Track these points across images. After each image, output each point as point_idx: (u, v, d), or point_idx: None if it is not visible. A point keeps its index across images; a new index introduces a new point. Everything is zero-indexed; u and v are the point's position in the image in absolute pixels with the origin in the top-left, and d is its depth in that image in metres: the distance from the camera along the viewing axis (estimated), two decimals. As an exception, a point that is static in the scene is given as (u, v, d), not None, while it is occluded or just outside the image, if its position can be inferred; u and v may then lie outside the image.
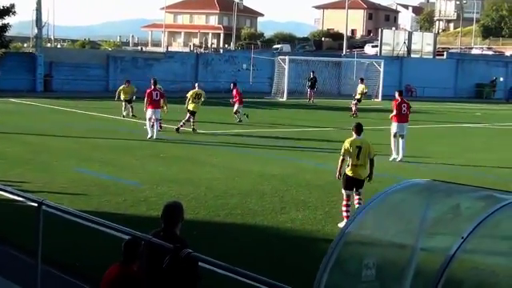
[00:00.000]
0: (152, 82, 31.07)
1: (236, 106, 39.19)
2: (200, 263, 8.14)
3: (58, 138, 29.56)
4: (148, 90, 30.28)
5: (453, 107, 57.10)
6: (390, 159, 26.28)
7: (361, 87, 46.83)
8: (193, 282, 8.23)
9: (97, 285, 8.88)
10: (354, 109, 45.45)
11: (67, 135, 30.42)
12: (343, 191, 16.46)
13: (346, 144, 16.72)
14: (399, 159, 26.58)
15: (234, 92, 40.40)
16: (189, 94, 34.31)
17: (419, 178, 9.88)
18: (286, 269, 11.83)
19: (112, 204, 16.80)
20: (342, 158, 16.78)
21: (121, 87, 37.16)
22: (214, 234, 14.70)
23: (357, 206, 15.96)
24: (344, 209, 16.34)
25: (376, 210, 8.53)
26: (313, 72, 59.80)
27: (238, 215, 16.39)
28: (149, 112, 29.72)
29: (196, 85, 36.00)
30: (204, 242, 12.27)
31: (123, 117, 36.33)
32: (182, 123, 32.72)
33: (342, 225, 14.88)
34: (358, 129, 17.18)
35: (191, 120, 32.85)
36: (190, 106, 33.30)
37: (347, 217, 15.63)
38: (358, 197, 16.36)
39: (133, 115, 36.67)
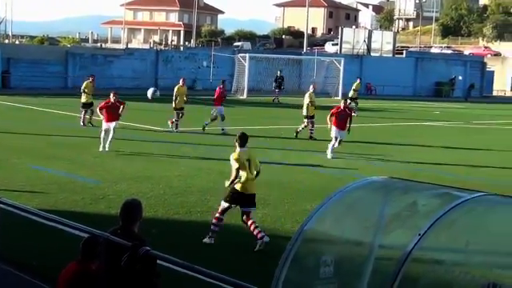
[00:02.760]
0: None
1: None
2: (159, 261, 8.18)
3: (15, 135, 29.34)
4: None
5: (412, 105, 57.51)
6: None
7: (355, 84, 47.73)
8: (151, 279, 8.24)
9: (54, 283, 8.87)
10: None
11: (24, 132, 30.27)
12: (225, 204, 15.03)
13: (236, 156, 15.13)
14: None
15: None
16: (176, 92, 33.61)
17: (377, 176, 9.99)
18: (246, 266, 11.88)
19: (70, 202, 16.70)
20: (237, 169, 15.01)
21: (84, 83, 34.57)
22: (174, 232, 14.72)
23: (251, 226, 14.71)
24: (214, 222, 14.97)
25: (334, 208, 8.61)
26: (280, 71, 59.74)
27: (198, 213, 16.41)
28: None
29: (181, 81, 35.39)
30: (163, 240, 12.27)
31: (91, 125, 32.85)
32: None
33: (206, 240, 14.52)
34: (243, 140, 15.54)
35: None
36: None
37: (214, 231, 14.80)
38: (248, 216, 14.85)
39: (89, 122, 33.34)
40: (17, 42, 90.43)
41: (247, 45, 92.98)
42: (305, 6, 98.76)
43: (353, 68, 68.60)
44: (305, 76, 64.96)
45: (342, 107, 27.79)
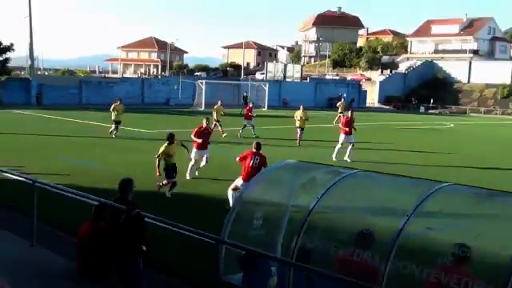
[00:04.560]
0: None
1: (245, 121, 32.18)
2: (146, 219, 8.16)
3: (47, 137, 28.85)
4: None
5: (313, 114, 57.70)
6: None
7: (340, 103, 46.81)
8: (141, 232, 8.23)
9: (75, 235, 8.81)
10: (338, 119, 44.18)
11: (53, 134, 29.79)
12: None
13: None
14: (347, 159, 23.10)
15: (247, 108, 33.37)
16: (298, 115, 29.73)
17: (291, 160, 10.06)
18: (209, 222, 11.83)
19: (86, 181, 16.48)
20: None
21: (113, 105, 30.60)
22: (158, 200, 14.57)
23: None
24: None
25: (262, 181, 8.68)
26: (245, 92, 60.93)
27: (180, 186, 16.13)
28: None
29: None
30: (151, 206, 12.20)
31: (115, 136, 29.42)
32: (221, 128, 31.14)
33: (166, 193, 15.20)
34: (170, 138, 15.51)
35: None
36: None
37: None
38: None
39: (116, 134, 29.72)
40: (46, 73, 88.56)
41: (204, 74, 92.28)
42: (242, 48, 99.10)
43: (274, 89, 69.24)
44: (241, 94, 65.08)
45: (349, 117, 24.36)
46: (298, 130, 29.43)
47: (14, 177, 11.65)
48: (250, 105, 34.56)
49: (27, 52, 58.21)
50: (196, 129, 18.96)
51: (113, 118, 29.77)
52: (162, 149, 15.37)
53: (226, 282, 7.33)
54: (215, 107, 33.73)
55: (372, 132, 37.71)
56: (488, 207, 6.95)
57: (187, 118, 45.37)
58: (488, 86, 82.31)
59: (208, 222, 10.34)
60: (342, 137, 23.89)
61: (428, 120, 57.88)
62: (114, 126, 29.59)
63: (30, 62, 59.16)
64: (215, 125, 31.42)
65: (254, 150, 14.04)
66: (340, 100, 64.09)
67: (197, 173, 18.45)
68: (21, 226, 10.64)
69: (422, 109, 77.51)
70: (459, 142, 35.23)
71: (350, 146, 23.70)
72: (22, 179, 11.07)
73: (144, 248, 8.25)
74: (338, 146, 23.77)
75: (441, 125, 51.63)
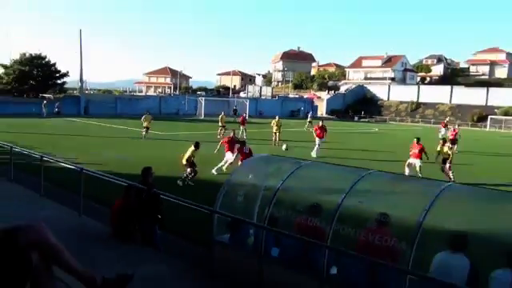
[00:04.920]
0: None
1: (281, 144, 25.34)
2: (161, 196, 8.05)
3: (92, 137, 28.45)
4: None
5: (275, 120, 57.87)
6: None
7: (309, 118, 46.63)
8: (158, 206, 8.14)
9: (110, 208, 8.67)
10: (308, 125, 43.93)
11: (96, 135, 29.44)
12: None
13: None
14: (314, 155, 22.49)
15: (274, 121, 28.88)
16: (274, 123, 28.25)
17: (264, 153, 10.01)
18: (206, 197, 11.73)
19: (119, 168, 16.29)
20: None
21: (144, 116, 29.38)
22: (172, 181, 14.42)
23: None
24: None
25: (244, 168, 8.60)
26: (235, 106, 60.02)
27: (177, 171, 15.92)
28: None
29: (276, 117, 29.36)
30: (167, 186, 12.07)
31: (144, 138, 28.37)
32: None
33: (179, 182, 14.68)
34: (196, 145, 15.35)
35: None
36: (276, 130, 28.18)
37: None
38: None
39: (145, 137, 28.52)
40: (91, 92, 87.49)
41: (203, 93, 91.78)
42: (230, 75, 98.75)
43: (253, 104, 69.00)
44: (231, 108, 64.82)
45: (320, 125, 24.33)
46: (274, 134, 28.60)
47: (68, 166, 11.43)
48: (244, 115, 35.19)
49: (78, 77, 57.52)
50: (226, 138, 18.58)
51: (144, 124, 29.14)
52: (190, 152, 15.36)
53: (218, 240, 7.26)
54: (220, 116, 33.51)
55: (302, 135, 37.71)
56: (401, 186, 6.99)
57: (191, 124, 45.19)
58: (401, 102, 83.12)
59: (208, 198, 10.24)
60: (317, 140, 23.94)
61: (360, 126, 58.22)
62: (144, 130, 28.97)
63: (80, 84, 58.40)
64: (221, 129, 31.60)
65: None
66: (298, 111, 64.42)
67: (224, 169, 17.22)
68: (70, 201, 10.48)
69: (356, 118, 77.90)
70: (381, 142, 35.48)
71: (318, 146, 23.69)
72: (73, 167, 10.89)
73: (160, 217, 8.16)
74: (316, 146, 23.55)
75: (369, 129, 51.99)
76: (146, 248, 7.80)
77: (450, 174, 17.75)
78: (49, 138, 27.42)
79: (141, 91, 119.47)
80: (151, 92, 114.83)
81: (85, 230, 8.73)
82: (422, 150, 18.06)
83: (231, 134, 18.83)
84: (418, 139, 18.56)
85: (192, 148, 15.47)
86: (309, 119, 47.49)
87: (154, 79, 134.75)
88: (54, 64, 61.34)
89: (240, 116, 36.63)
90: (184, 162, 15.26)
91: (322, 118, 33.34)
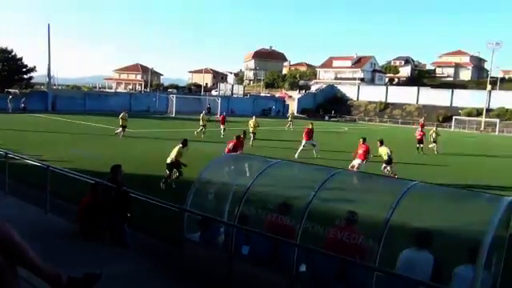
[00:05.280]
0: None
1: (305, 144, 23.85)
2: (131, 194, 7.94)
3: (59, 134, 27.78)
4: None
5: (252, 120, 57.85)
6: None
7: (290, 112, 46.60)
8: (127, 204, 8.02)
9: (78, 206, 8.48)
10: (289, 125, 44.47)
11: (64, 132, 28.76)
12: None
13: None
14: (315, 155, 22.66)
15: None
16: (251, 123, 28.09)
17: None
18: (177, 195, 11.60)
19: (86, 165, 15.95)
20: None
21: (121, 114, 28.60)
22: (142, 179, 14.20)
23: None
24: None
25: (214, 166, 8.56)
26: (209, 104, 59.48)
27: (151, 169, 15.78)
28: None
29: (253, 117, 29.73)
30: (136, 184, 11.90)
31: (115, 134, 28.07)
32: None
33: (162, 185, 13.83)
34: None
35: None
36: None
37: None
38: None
39: (123, 136, 27.74)
40: (59, 88, 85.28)
41: (174, 91, 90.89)
42: (202, 73, 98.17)
43: (225, 102, 68.67)
44: (203, 106, 64.44)
45: (310, 128, 24.01)
46: (251, 134, 27.16)
47: (34, 163, 11.12)
48: (224, 114, 34.74)
49: (46, 72, 56.08)
50: (236, 140, 18.06)
51: (120, 123, 28.33)
52: (177, 150, 14.33)
53: (188, 238, 7.21)
54: (201, 115, 33.11)
55: (297, 134, 38.01)
56: (368, 185, 7.11)
57: (162, 122, 44.70)
58: (370, 102, 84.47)
59: (180, 196, 10.16)
60: (303, 141, 23.60)
61: (330, 125, 58.86)
62: (121, 128, 28.20)
63: (47, 80, 56.93)
64: (202, 128, 31.36)
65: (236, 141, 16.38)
66: (270, 109, 64.83)
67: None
68: (36, 198, 10.21)
69: (326, 117, 78.73)
70: (350, 141, 35.93)
71: (303, 147, 23.19)
72: (39, 164, 10.61)
73: (129, 215, 8.05)
74: (301, 147, 23.09)
75: (339, 129, 52.64)
76: (115, 246, 7.68)
77: (386, 172, 17.91)
78: (14, 134, 26.64)
79: (111, 88, 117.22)
80: (121, 89, 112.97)
81: (51, 227, 8.52)
82: (366, 151, 17.84)
83: (241, 135, 18.15)
84: (364, 139, 18.32)
85: (179, 146, 14.44)
86: (289, 118, 47.62)
87: (124, 76, 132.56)
88: (21, 58, 59.65)
89: (221, 115, 35.99)
90: (169, 161, 14.20)
91: (294, 117, 33.45)
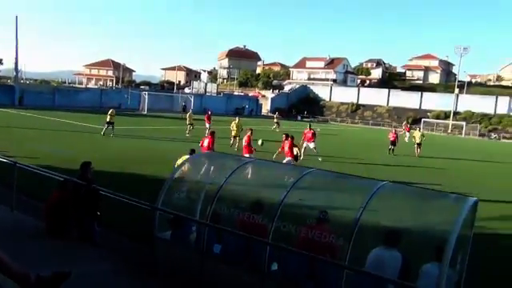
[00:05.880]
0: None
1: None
2: (101, 192, 7.82)
3: (29, 130, 27.04)
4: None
5: (226, 119, 57.69)
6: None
7: (276, 117, 46.33)
8: (96, 202, 7.90)
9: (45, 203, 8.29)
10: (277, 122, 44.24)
11: (32, 128, 28.01)
12: None
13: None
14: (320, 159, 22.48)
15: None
16: (233, 125, 26.30)
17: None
18: (148, 193, 11.46)
19: (55, 162, 15.58)
20: None
21: (110, 111, 27.62)
22: (113, 177, 13.99)
23: None
24: None
25: (187, 165, 8.51)
26: (184, 102, 58.88)
27: (122, 167, 15.56)
28: None
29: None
30: (107, 182, 11.70)
31: (103, 134, 26.81)
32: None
33: None
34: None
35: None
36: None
37: None
38: None
39: (113, 134, 26.76)
40: (27, 82, 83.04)
41: (147, 88, 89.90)
42: (175, 70, 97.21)
43: (198, 100, 68.15)
44: (176, 104, 63.88)
45: (308, 130, 24.29)
46: (233, 137, 25.92)
47: (0, 159, 10.79)
48: (209, 112, 34.13)
49: (13, 65, 54.51)
50: (247, 138, 18.12)
51: (108, 119, 27.25)
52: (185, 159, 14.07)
53: (160, 237, 7.15)
54: (188, 114, 33.00)
55: (271, 134, 38.09)
56: (340, 184, 7.19)
57: (134, 119, 44.09)
58: (342, 103, 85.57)
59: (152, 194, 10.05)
60: (305, 144, 23.83)
61: (303, 125, 59.14)
62: (106, 125, 27.20)
63: (14, 73, 55.36)
64: (189, 126, 31.24)
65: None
66: (243, 108, 64.84)
67: None
68: (4, 197, 9.91)
69: (299, 117, 79.30)
70: (323, 141, 36.32)
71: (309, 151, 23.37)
72: (5, 160, 10.31)
73: (98, 213, 7.92)
74: (302, 149, 22.85)
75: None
76: (84, 245, 7.54)
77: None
78: (-21, 129, 25.80)
79: (81, 83, 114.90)
80: (92, 84, 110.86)
81: (18, 225, 8.30)
82: (291, 146, 18.00)
83: (249, 133, 18.02)
84: (287, 135, 18.38)
85: (187, 156, 14.30)
86: (275, 120, 47.21)
87: (95, 71, 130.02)
88: (-14, 51, 58.06)
89: (205, 114, 34.46)
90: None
91: (264, 117, 33.56)
